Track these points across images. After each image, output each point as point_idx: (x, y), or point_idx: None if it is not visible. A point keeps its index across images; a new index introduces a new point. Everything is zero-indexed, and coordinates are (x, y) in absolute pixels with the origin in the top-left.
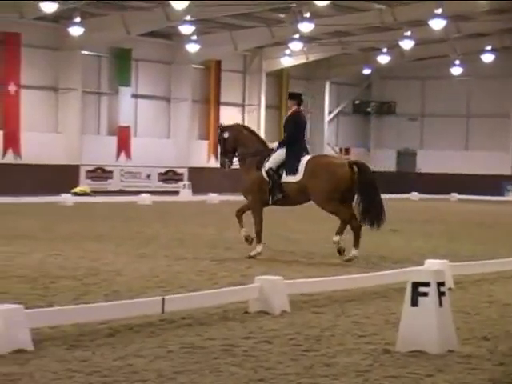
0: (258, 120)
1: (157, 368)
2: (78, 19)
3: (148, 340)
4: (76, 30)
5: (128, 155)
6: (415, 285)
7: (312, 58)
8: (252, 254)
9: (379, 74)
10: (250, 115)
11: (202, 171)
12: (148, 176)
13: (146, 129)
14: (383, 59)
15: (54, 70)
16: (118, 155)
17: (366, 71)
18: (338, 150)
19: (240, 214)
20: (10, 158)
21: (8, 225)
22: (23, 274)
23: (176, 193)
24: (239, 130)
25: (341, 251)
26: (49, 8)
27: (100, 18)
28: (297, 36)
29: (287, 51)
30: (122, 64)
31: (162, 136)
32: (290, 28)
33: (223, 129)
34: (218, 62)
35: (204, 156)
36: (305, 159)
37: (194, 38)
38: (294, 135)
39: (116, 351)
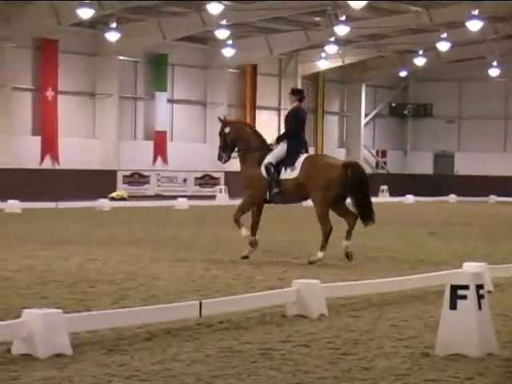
0: None
1: (194, 372)
2: (114, 25)
3: (186, 344)
4: (112, 36)
5: (164, 160)
6: (454, 288)
7: (348, 60)
8: (245, 253)
9: (415, 77)
10: None
11: (239, 175)
12: (184, 180)
13: (182, 133)
14: (419, 61)
15: (90, 76)
16: (155, 160)
17: (403, 73)
18: (374, 152)
19: (255, 224)
20: (48, 164)
21: (47, 230)
22: (62, 279)
23: (212, 197)
24: (241, 126)
25: (347, 255)
26: (86, 14)
27: (136, 23)
28: (332, 39)
29: (323, 54)
30: (158, 69)
31: (197, 140)
32: (325, 31)
33: (225, 123)
34: (254, 66)
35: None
36: (303, 156)
37: (230, 42)
38: (294, 130)
39: (154, 355)
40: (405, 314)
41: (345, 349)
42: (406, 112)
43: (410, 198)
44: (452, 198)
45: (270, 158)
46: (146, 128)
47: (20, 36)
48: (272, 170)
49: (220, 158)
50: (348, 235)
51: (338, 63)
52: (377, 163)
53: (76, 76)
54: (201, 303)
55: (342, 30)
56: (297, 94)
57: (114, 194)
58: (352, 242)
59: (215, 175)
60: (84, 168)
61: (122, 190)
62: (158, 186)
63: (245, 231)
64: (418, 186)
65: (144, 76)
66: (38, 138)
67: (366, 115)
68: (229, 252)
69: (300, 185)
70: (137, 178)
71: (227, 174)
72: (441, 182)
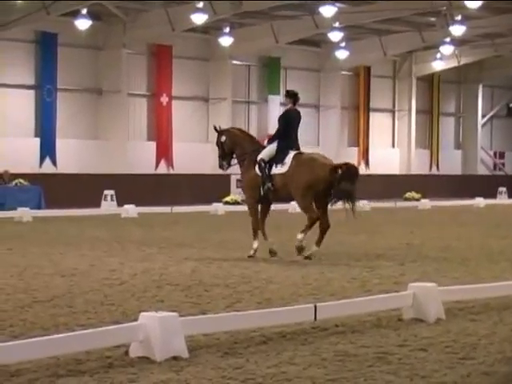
0: (409, 125)
1: (310, 375)
2: (227, 29)
3: (301, 347)
4: (226, 41)
5: None
6: None
7: (464, 61)
8: (251, 253)
9: None
10: (400, 121)
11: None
12: None
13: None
14: None
15: (203, 81)
16: None
17: None
18: (492, 154)
19: (261, 225)
20: (162, 169)
21: (162, 234)
22: (177, 283)
23: None
24: (234, 132)
25: (298, 248)
26: (199, 19)
27: (249, 27)
28: (448, 39)
29: (438, 55)
30: (270, 72)
31: (311, 143)
32: (440, 31)
33: (220, 132)
34: (368, 68)
35: (354, 163)
36: (293, 153)
37: (343, 44)
38: (285, 131)
39: (269, 358)
40: None
41: (463, 353)
42: None
43: None
44: None
45: (262, 155)
46: (259, 132)
47: (135, 42)
48: (263, 165)
49: (221, 167)
50: (318, 241)
51: (453, 64)
52: (495, 165)
53: (189, 81)
54: (316, 306)
55: (457, 30)
56: (291, 96)
57: (227, 198)
58: (318, 247)
59: None
60: (198, 173)
61: (235, 194)
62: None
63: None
64: None
65: (257, 80)
66: (153, 144)
67: (483, 116)
68: (343, 255)
69: (288, 180)
70: None
71: None
72: None
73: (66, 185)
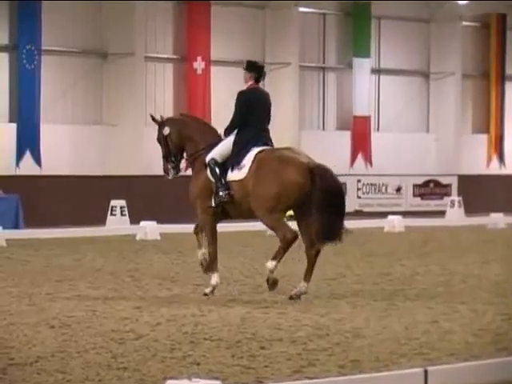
0: None
1: None
2: None
3: None
4: None
5: (367, 159)
6: None
7: None
8: (207, 290)
9: None
10: None
11: (472, 181)
12: (398, 190)
13: (393, 119)
14: None
15: (257, 38)
16: (353, 159)
17: None
18: None
19: (199, 230)
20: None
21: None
22: (221, 336)
23: (441, 213)
24: (184, 122)
25: (270, 282)
26: None
27: None
28: None
29: None
30: (357, 25)
31: (416, 129)
32: None
33: (162, 123)
34: (502, 17)
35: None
36: (254, 151)
37: None
38: (244, 118)
39: None
40: None
41: None
42: None
43: None
44: None
45: (213, 153)
46: (340, 112)
47: None
48: (216, 168)
49: (166, 172)
50: (307, 274)
51: None
52: None
53: (235, 39)
54: (426, 372)
55: None
56: (252, 69)
57: (290, 212)
58: (307, 284)
59: (444, 181)
60: None
61: None
62: (359, 197)
63: (201, 253)
64: None
65: (336, 35)
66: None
67: None
68: (467, 295)
69: (248, 190)
70: None
71: (461, 178)
72: None
73: (54, 193)
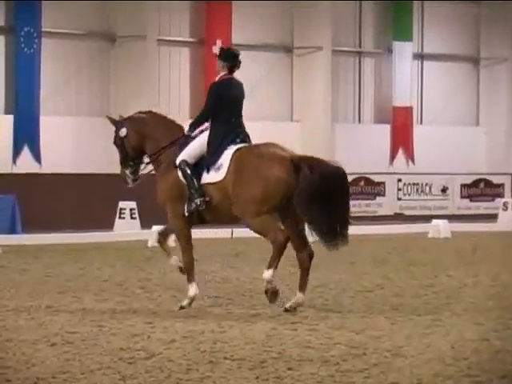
0: None
1: None
2: None
3: None
4: None
5: (409, 156)
6: None
7: None
8: (184, 303)
9: None
10: None
11: None
12: (443, 190)
13: (439, 111)
14: None
15: (284, 19)
16: (393, 156)
17: None
18: None
19: (164, 238)
20: None
21: (218, 275)
22: (243, 355)
23: (493, 216)
24: (143, 119)
25: (270, 293)
26: None
27: None
28: None
29: None
30: (397, 5)
31: (465, 122)
32: None
33: (119, 123)
34: None
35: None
36: (232, 149)
37: None
38: (218, 112)
39: None
40: None
41: None
42: None
43: None
44: None
45: (183, 155)
46: (378, 102)
47: None
48: (188, 171)
49: (124, 179)
50: (302, 284)
51: None
52: None
53: (259, 21)
54: None
55: None
56: (226, 57)
57: None
58: (304, 294)
59: (495, 180)
60: None
61: None
62: (399, 198)
63: (174, 260)
64: None
65: (373, 18)
66: None
67: None
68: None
69: (227, 193)
70: (362, 185)
71: None
72: None
73: (55, 193)
